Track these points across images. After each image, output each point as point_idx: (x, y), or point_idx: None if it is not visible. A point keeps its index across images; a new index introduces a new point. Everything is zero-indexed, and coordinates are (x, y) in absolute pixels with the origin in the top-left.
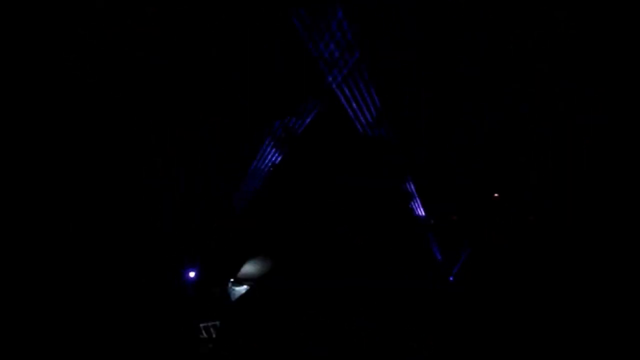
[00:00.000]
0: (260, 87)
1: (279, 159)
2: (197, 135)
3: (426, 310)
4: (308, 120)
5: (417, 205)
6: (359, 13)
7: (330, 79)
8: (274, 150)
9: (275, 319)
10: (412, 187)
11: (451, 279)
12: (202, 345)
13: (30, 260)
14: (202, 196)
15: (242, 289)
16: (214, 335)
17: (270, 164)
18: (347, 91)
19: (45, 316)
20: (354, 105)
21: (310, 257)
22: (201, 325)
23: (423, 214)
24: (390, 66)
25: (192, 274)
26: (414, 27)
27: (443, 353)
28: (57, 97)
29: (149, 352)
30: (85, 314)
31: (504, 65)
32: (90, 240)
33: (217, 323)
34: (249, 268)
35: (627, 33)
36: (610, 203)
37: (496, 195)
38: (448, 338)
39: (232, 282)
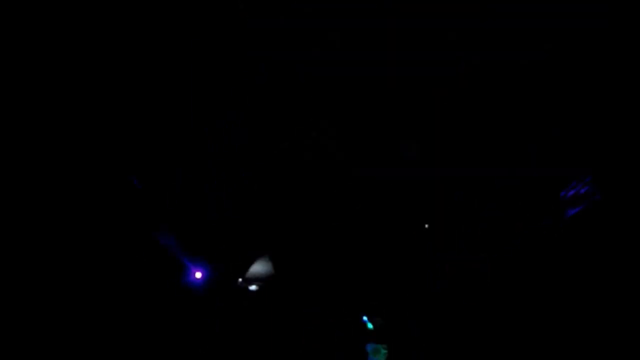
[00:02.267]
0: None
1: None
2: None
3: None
4: None
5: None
6: None
7: None
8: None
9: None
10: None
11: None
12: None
13: (30, 260)
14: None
15: (253, 288)
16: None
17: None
18: None
19: (46, 316)
20: None
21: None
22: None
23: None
24: None
25: (198, 275)
26: None
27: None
28: (56, 97)
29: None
30: (87, 315)
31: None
32: (90, 239)
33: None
34: (257, 268)
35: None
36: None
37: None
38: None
39: (241, 281)
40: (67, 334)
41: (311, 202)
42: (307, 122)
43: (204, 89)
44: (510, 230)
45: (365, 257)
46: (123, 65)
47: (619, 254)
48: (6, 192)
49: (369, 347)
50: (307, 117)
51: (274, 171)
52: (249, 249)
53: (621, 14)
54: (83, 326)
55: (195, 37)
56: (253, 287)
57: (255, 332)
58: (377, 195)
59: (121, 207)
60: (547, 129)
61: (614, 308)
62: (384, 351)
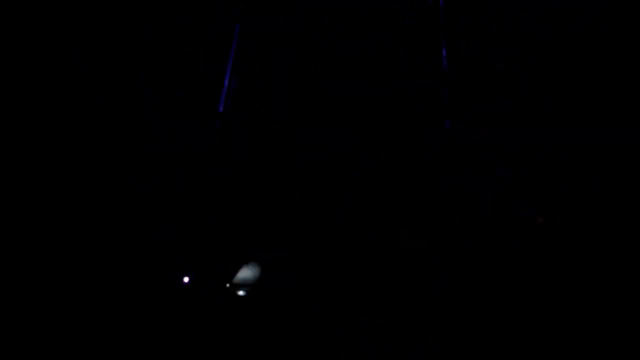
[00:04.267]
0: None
1: None
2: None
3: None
4: None
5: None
6: None
7: None
8: None
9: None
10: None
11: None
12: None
13: (29, 260)
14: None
15: (240, 293)
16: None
17: None
18: None
19: (45, 316)
20: None
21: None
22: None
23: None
24: None
25: (185, 279)
26: None
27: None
28: (56, 96)
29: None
30: (84, 315)
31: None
32: (87, 240)
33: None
34: (244, 274)
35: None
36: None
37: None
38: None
39: (228, 286)
40: (66, 333)
41: (310, 201)
42: (307, 122)
43: (204, 89)
44: (511, 230)
45: (365, 256)
46: (123, 65)
47: (618, 253)
48: (6, 191)
49: None
50: (306, 117)
51: (274, 171)
52: (248, 249)
53: (621, 13)
54: (82, 326)
55: (195, 37)
56: (241, 293)
57: (255, 332)
58: (376, 195)
59: (120, 207)
60: (546, 125)
61: (614, 308)
62: None
